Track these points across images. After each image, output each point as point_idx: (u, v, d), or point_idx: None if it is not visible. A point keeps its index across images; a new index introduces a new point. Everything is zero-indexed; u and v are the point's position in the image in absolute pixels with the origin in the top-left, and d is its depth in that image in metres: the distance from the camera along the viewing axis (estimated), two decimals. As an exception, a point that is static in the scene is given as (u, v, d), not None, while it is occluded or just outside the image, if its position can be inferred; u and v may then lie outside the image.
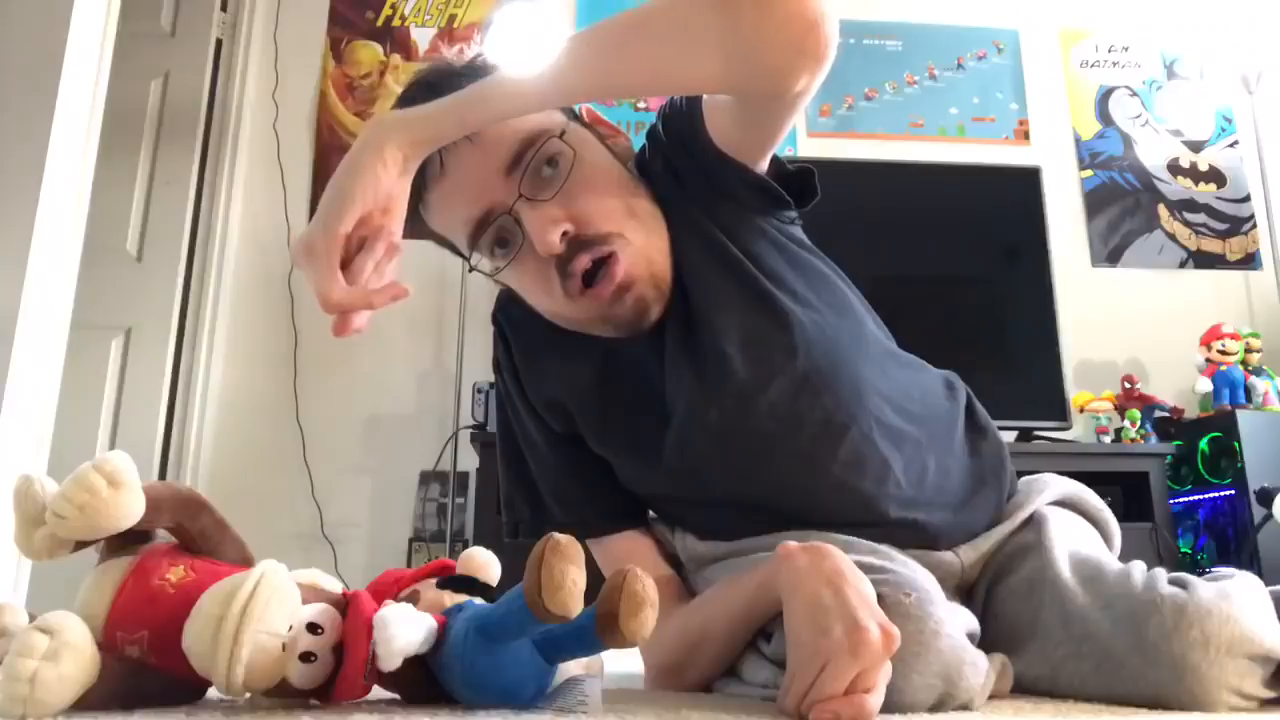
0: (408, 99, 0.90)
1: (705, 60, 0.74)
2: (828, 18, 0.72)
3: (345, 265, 0.72)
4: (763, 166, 0.91)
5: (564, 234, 0.82)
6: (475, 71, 0.90)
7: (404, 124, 0.75)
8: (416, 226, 0.85)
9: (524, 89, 0.76)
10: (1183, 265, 3.09)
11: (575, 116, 0.91)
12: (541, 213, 0.82)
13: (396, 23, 3.05)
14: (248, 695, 0.56)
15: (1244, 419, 2.47)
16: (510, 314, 0.98)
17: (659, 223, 0.89)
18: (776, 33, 0.71)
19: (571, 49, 0.76)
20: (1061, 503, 0.94)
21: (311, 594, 0.57)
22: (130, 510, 0.55)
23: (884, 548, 0.78)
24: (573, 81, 0.76)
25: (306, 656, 0.54)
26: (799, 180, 0.94)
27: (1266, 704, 0.66)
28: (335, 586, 0.63)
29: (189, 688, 0.57)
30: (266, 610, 0.51)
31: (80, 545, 0.58)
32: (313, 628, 0.55)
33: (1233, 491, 2.45)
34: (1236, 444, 2.44)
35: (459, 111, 0.75)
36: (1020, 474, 0.98)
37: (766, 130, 0.87)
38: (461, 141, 0.84)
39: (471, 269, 0.89)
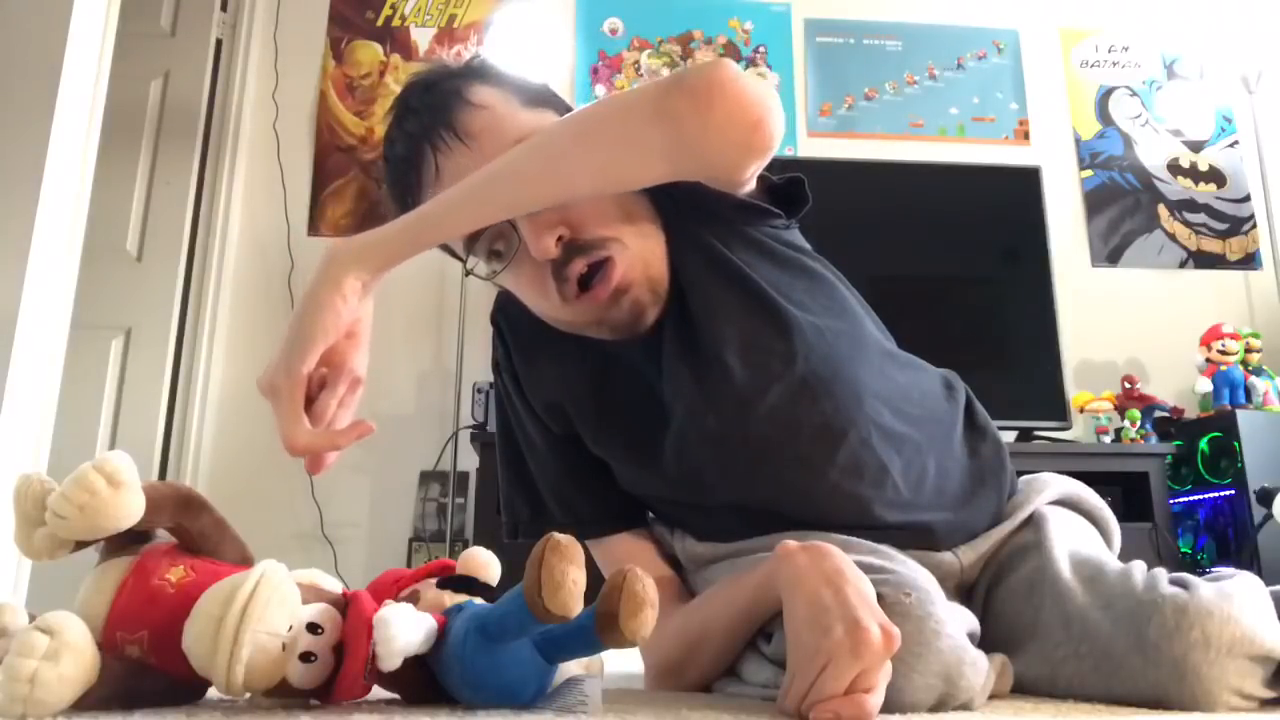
0: (407, 103, 0.89)
1: (652, 165, 0.76)
2: (770, 114, 0.73)
3: (309, 403, 0.73)
4: (748, 189, 0.91)
5: (559, 239, 0.81)
6: (472, 73, 0.90)
7: (359, 254, 0.75)
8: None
9: (475, 209, 0.77)
10: (1183, 265, 3.09)
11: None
12: (537, 217, 0.81)
13: (396, 23, 3.05)
14: (248, 695, 0.56)
15: (1244, 419, 2.47)
16: (509, 315, 0.97)
17: (655, 227, 0.89)
18: (720, 138, 0.73)
19: (519, 163, 0.78)
20: (1061, 502, 0.94)
21: (311, 594, 0.57)
22: (130, 510, 0.55)
23: (884, 548, 0.78)
24: (523, 195, 0.78)
25: (306, 656, 0.54)
26: (790, 187, 0.94)
27: (1267, 704, 0.66)
28: (335, 586, 0.63)
29: (189, 688, 0.57)
30: (266, 610, 0.51)
31: (80, 545, 0.57)
32: (313, 628, 0.55)
33: (1233, 491, 2.45)
34: (1236, 444, 2.44)
35: (414, 233, 0.77)
36: (1020, 474, 0.98)
37: (731, 188, 0.88)
38: (457, 145, 0.84)
39: (468, 273, 0.88)
